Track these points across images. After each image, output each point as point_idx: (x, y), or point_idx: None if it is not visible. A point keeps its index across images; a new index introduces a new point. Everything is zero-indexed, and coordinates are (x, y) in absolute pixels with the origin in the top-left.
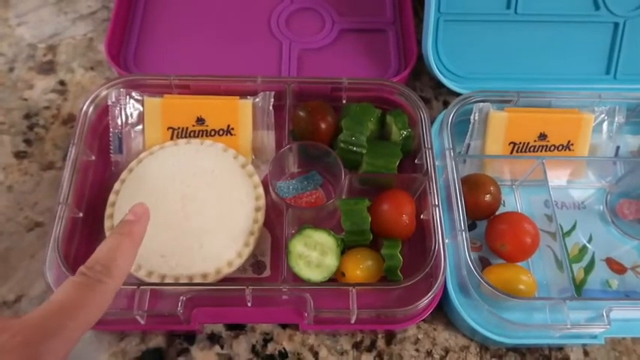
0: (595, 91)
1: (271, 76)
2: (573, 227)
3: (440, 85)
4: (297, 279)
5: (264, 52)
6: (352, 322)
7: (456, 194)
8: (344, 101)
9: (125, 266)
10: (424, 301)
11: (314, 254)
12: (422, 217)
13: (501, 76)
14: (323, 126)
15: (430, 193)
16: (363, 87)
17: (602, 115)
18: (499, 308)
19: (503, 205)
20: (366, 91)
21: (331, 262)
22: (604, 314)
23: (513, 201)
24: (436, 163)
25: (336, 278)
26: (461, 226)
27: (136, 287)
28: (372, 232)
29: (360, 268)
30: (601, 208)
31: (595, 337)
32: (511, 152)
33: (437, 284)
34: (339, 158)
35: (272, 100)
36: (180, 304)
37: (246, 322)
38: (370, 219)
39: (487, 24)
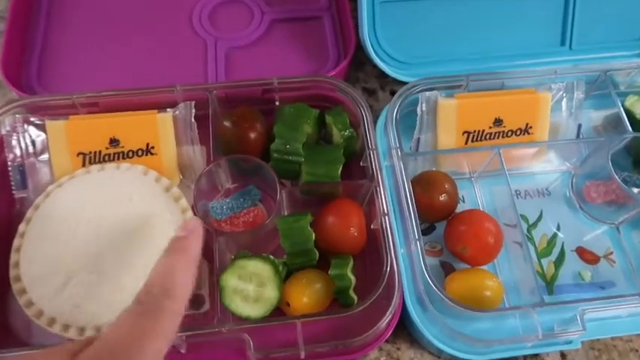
0: (551, 65)
1: (192, 84)
2: (540, 217)
3: (386, 73)
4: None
5: (187, 55)
6: (302, 357)
7: (407, 199)
8: (277, 103)
9: (186, 286)
10: (382, 324)
11: (251, 287)
12: (372, 227)
13: (449, 57)
14: (252, 135)
15: (378, 200)
16: (297, 85)
17: (561, 93)
18: (465, 319)
19: (463, 202)
20: (301, 90)
21: (271, 293)
22: (578, 318)
23: (474, 195)
24: (385, 164)
25: (281, 310)
26: (414, 234)
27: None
28: (319, 250)
29: (307, 294)
30: (567, 193)
31: (570, 342)
32: (466, 142)
33: (393, 303)
34: (272, 171)
35: (193, 110)
36: None
37: None
38: (314, 236)
39: (428, 2)
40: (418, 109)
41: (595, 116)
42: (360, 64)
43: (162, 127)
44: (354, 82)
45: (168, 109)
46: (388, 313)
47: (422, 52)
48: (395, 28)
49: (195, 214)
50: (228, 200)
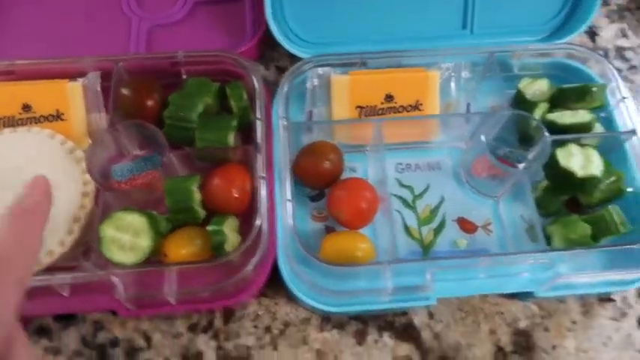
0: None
1: (99, 55)
2: (426, 189)
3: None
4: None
5: (112, 31)
6: (173, 302)
7: (284, 163)
8: (184, 77)
9: (28, 250)
10: (247, 272)
11: (126, 237)
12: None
13: (354, 38)
14: (149, 103)
15: (256, 164)
16: (201, 60)
17: (449, 72)
18: (336, 277)
19: (354, 172)
20: (206, 64)
21: (144, 243)
22: (427, 275)
23: (365, 167)
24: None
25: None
26: (287, 195)
27: None
28: (208, 210)
29: (185, 247)
30: (456, 168)
31: (428, 298)
32: (359, 117)
33: (256, 256)
34: (162, 135)
35: (99, 80)
36: None
37: (63, 312)
38: (200, 196)
39: None
40: (308, 84)
41: (492, 97)
42: (276, 45)
43: (71, 95)
44: (269, 60)
45: (79, 79)
46: (250, 264)
47: (328, 33)
48: (302, 9)
49: (91, 175)
50: (130, 164)
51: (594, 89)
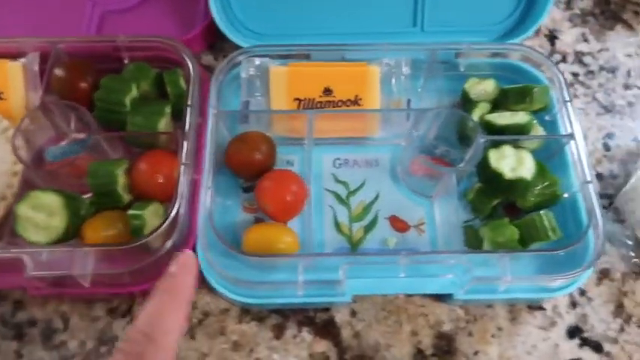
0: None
1: (40, 37)
2: (361, 185)
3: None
4: None
5: (65, 16)
6: (86, 285)
7: (210, 151)
8: (126, 62)
9: (173, 329)
10: (158, 257)
11: (40, 216)
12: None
13: (303, 32)
14: (82, 85)
15: (181, 150)
16: (142, 46)
17: (390, 68)
18: (252, 269)
19: (291, 165)
20: (147, 51)
21: (59, 223)
22: (341, 272)
23: (302, 160)
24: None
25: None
26: (207, 183)
27: None
28: (135, 195)
29: (105, 230)
30: (395, 165)
31: (343, 294)
32: (298, 109)
33: (170, 241)
34: (91, 117)
35: (38, 60)
36: None
37: None
38: (126, 181)
39: None
40: (243, 74)
41: (443, 97)
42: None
43: (11, 75)
44: (219, 51)
45: (20, 59)
46: (167, 244)
47: (276, 25)
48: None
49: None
50: (64, 146)
51: (535, 90)
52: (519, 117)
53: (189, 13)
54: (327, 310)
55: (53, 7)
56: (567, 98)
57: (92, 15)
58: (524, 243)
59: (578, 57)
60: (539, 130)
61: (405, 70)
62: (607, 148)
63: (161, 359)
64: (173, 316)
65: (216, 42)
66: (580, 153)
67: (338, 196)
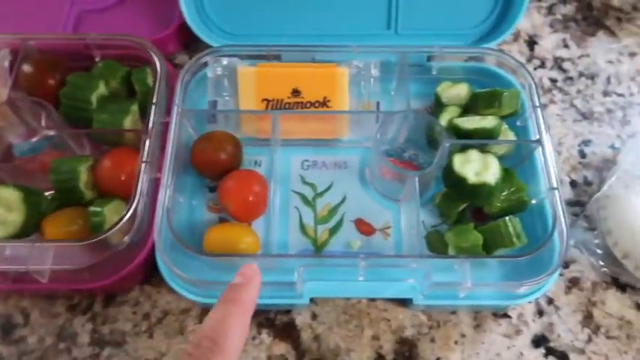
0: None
1: (11, 33)
2: (329, 187)
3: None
4: None
5: (43, 14)
6: (43, 281)
7: (171, 149)
8: (97, 60)
9: (237, 338)
10: (114, 254)
11: None
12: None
13: (276, 33)
14: (50, 82)
15: (143, 148)
16: (111, 44)
17: (359, 70)
18: (210, 269)
19: (259, 166)
20: (117, 49)
21: (17, 217)
22: (296, 274)
23: (270, 161)
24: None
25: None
26: (167, 182)
27: None
28: (100, 193)
29: (65, 226)
30: (363, 168)
31: (301, 296)
32: (266, 109)
33: (127, 237)
34: (56, 114)
35: (9, 56)
36: None
37: None
38: (90, 178)
39: None
40: (210, 74)
41: (414, 99)
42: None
43: None
44: (194, 51)
45: None
46: (124, 241)
47: (248, 25)
48: (223, 1)
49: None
50: (32, 142)
51: (504, 95)
52: (487, 121)
53: (166, 13)
54: (288, 312)
55: (31, 7)
56: (537, 104)
57: (69, 14)
58: (488, 249)
59: (558, 63)
60: (509, 135)
61: (375, 72)
62: (583, 155)
63: None
64: (237, 323)
65: (191, 42)
66: (547, 159)
67: (304, 198)
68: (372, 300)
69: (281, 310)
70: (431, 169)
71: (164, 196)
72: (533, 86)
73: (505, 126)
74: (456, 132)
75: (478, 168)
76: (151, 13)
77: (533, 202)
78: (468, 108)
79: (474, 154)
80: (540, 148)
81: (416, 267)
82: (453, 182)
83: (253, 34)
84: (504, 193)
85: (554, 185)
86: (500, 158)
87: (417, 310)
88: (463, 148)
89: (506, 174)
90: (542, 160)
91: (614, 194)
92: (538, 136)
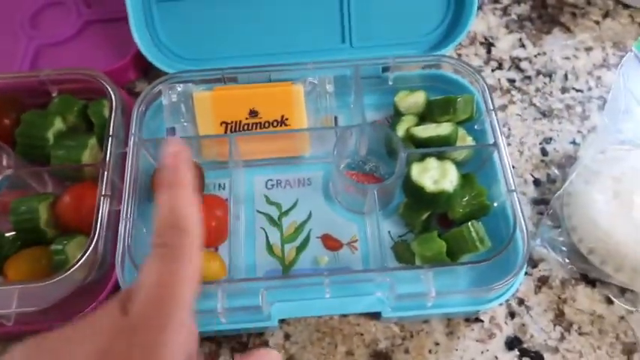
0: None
1: None
2: (294, 206)
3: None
4: None
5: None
6: (8, 324)
7: (129, 179)
8: (54, 95)
9: (194, 215)
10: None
11: None
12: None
13: (232, 55)
14: (5, 122)
15: (102, 182)
16: (65, 79)
17: (313, 86)
18: None
19: (223, 189)
20: (71, 83)
21: None
22: (261, 296)
23: (233, 184)
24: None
25: None
26: (126, 214)
27: None
28: (62, 230)
29: (27, 267)
30: (327, 183)
31: (269, 319)
32: (225, 132)
33: (91, 276)
34: (11, 153)
35: None
36: None
37: None
38: (50, 216)
39: (209, 2)
40: (164, 101)
41: (374, 111)
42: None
43: None
44: (155, 77)
45: None
46: (88, 278)
47: (203, 49)
48: (175, 25)
49: None
50: None
51: (459, 101)
52: (442, 128)
53: (124, 41)
54: (261, 334)
55: None
56: (492, 107)
57: (27, 49)
58: (453, 255)
59: (515, 63)
60: (467, 140)
61: (329, 87)
62: (545, 153)
63: (196, 244)
64: (187, 204)
65: (150, 69)
66: (504, 162)
67: (270, 218)
68: (344, 316)
69: (254, 333)
70: (391, 181)
71: (123, 228)
72: (487, 89)
73: (463, 131)
74: (413, 141)
75: (436, 176)
76: (108, 44)
77: (495, 205)
78: (425, 116)
79: (431, 162)
80: (497, 152)
81: (380, 280)
82: (412, 192)
83: (210, 57)
84: (465, 199)
85: (512, 187)
86: (461, 163)
87: (389, 322)
88: (421, 157)
89: (466, 179)
90: (499, 162)
91: (575, 190)
92: (494, 140)
